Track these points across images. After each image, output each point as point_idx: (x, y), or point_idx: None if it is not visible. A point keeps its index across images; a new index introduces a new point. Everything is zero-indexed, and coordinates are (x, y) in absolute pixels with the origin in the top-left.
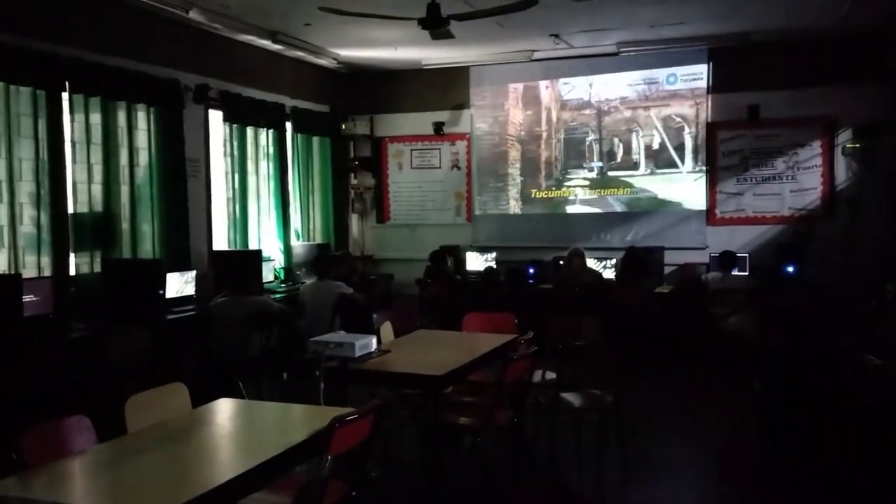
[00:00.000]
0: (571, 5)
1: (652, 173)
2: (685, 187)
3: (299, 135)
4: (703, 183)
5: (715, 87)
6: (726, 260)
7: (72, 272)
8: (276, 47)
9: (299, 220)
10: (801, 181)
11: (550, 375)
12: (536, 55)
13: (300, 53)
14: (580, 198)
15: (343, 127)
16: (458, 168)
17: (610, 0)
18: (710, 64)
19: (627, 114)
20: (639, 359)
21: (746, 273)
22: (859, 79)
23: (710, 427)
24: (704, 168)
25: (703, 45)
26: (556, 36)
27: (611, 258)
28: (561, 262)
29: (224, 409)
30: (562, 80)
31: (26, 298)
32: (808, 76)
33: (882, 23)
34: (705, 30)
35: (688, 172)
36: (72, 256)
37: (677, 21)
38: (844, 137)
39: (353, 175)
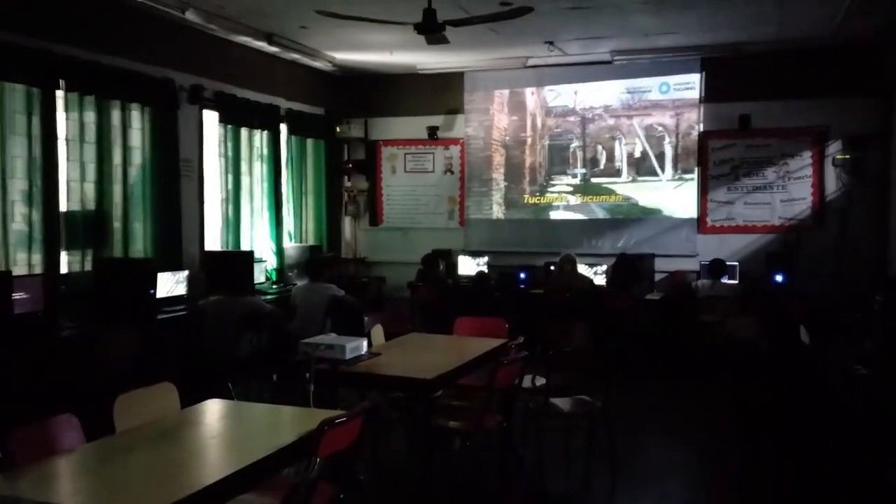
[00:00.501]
0: (566, 13)
1: (633, 181)
2: (665, 195)
3: (294, 137)
4: (682, 191)
5: (707, 97)
6: (716, 268)
7: (63, 270)
8: (272, 49)
9: (292, 221)
10: (791, 191)
11: (540, 380)
12: (531, 62)
13: (296, 56)
14: (563, 204)
15: (337, 129)
16: (452, 172)
17: (604, 8)
18: (703, 73)
19: (611, 122)
20: (629, 365)
21: (736, 281)
22: (850, 90)
23: (700, 433)
24: (684, 176)
25: (696, 54)
26: (551, 43)
27: (601, 264)
28: (552, 268)
29: (213, 410)
30: (547, 87)
31: (16, 296)
32: (800, 87)
33: (873, 35)
34: (698, 39)
35: (668, 181)
36: (63, 254)
37: (671, 30)
38: (835, 148)
39: (346, 178)
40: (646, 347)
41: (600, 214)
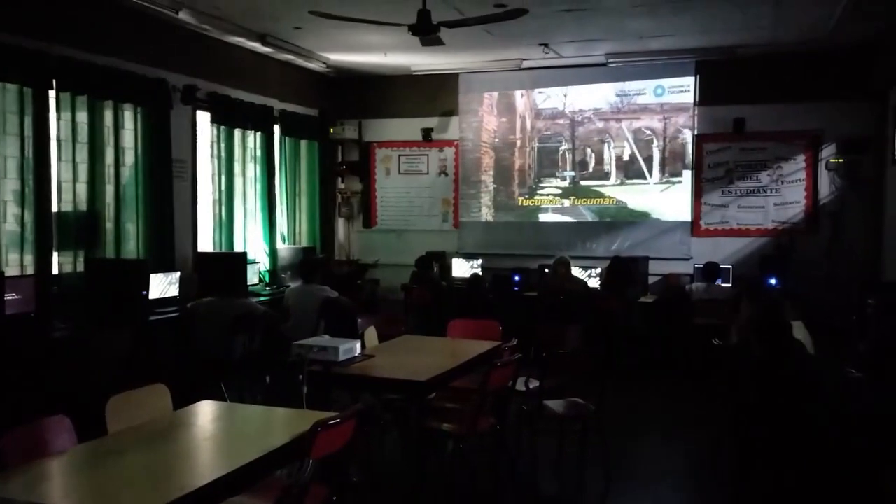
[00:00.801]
0: (561, 15)
1: (622, 184)
2: (652, 198)
3: (287, 138)
4: (669, 194)
5: (702, 100)
6: (710, 271)
7: (55, 271)
8: (266, 50)
9: (285, 223)
10: (784, 194)
11: (534, 383)
12: (526, 64)
13: (290, 56)
14: (553, 207)
15: (331, 131)
16: (446, 174)
17: (599, 10)
18: (698, 77)
19: (600, 125)
20: (622, 367)
21: (730, 284)
22: (844, 94)
23: (693, 436)
24: (671, 180)
25: (690, 57)
26: (546, 45)
27: (595, 267)
28: (546, 271)
29: (205, 411)
30: (537, 90)
31: (8, 297)
32: (794, 91)
33: (867, 39)
34: (693, 43)
35: (655, 184)
36: (55, 255)
37: (666, 33)
38: (828, 152)
39: (340, 179)
40: (639, 350)
41: (589, 217)
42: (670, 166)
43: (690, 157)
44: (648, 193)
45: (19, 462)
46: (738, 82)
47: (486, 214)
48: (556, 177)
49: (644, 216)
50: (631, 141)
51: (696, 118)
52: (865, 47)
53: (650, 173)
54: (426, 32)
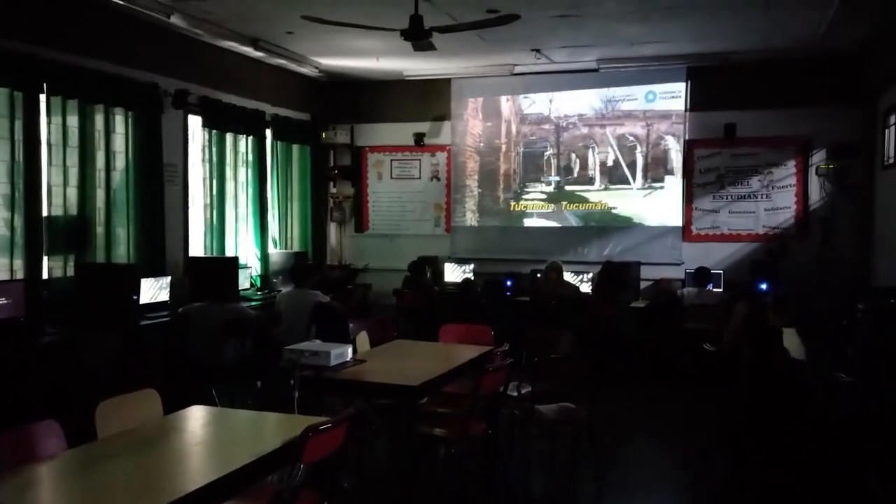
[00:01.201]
0: (553, 21)
1: (606, 189)
2: (635, 203)
3: (279, 142)
4: (651, 199)
5: (693, 105)
6: (701, 276)
7: (45, 275)
8: (258, 54)
9: (277, 227)
10: (775, 200)
11: (526, 388)
12: (517, 69)
13: (282, 61)
14: (539, 211)
15: (323, 135)
16: (438, 179)
17: (591, 16)
18: (689, 82)
19: (584, 130)
20: (614, 372)
21: (721, 289)
22: (834, 100)
23: (685, 440)
24: (653, 185)
25: (682, 63)
26: (538, 51)
27: (587, 272)
28: (538, 275)
29: (196, 416)
30: (522, 95)
31: None
32: (785, 96)
33: (857, 45)
34: (685, 49)
35: (637, 189)
36: (45, 259)
37: (657, 39)
38: (819, 158)
39: (332, 184)
40: (631, 354)
41: (573, 222)
42: (653, 172)
43: (673, 163)
44: (631, 199)
45: (9, 467)
46: (730, 88)
47: (471, 219)
48: (541, 181)
49: (627, 221)
50: (615, 147)
51: (687, 123)
52: (856, 53)
53: (633, 179)
54: (418, 37)
